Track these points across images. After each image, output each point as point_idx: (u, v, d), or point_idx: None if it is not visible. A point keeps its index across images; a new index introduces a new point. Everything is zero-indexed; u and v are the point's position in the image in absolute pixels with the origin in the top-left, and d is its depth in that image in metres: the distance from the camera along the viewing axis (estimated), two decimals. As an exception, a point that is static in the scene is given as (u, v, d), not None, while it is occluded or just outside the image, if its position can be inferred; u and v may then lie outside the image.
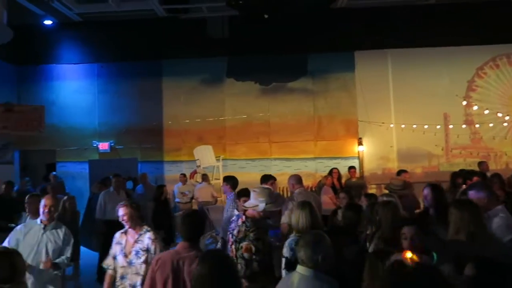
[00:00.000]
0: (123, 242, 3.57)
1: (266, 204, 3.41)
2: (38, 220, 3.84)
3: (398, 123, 11.12)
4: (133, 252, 3.48)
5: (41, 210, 3.80)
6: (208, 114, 11.61)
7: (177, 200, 9.58)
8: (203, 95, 11.67)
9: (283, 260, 2.90)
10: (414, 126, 10.86)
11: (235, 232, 3.44)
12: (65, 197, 6.14)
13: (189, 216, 3.01)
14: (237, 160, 11.63)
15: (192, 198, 9.42)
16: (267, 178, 5.53)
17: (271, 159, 11.56)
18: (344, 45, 11.26)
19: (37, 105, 9.64)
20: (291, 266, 2.58)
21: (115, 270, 3.56)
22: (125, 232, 3.61)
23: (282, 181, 7.70)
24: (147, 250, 3.46)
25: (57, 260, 3.76)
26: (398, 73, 11.36)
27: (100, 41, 11.82)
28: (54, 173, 9.99)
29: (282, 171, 11.00)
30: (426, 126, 10.85)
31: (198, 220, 3.01)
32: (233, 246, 3.41)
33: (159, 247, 3.50)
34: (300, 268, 2.31)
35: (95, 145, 11.65)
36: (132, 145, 11.69)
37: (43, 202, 3.81)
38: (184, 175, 9.94)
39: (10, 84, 11.27)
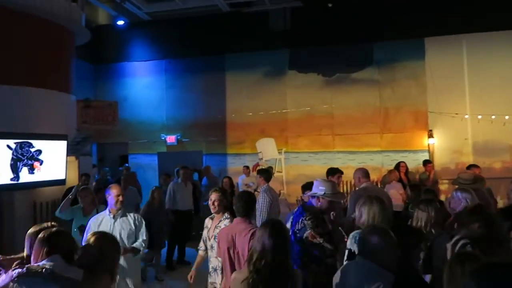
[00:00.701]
0: (209, 226, 3.80)
1: (325, 193, 3.49)
2: (107, 211, 4.01)
3: (474, 113, 10.28)
4: (213, 237, 3.66)
5: (111, 200, 3.97)
6: (270, 107, 11.63)
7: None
8: (265, 88, 11.70)
9: (346, 251, 2.84)
10: (493, 117, 9.97)
11: (297, 226, 3.50)
12: (153, 187, 6.45)
13: (242, 195, 3.49)
14: (299, 153, 11.55)
15: (256, 189, 9.53)
16: (333, 171, 5.43)
17: (334, 152, 11.32)
18: (413, 32, 10.62)
19: (111, 101, 10.30)
20: (353, 258, 2.56)
21: (207, 251, 3.81)
22: (212, 218, 3.84)
23: (346, 175, 7.49)
24: None
25: (134, 244, 3.94)
26: (474, 59, 10.47)
27: (167, 38, 12.35)
28: (127, 164, 10.66)
29: (346, 164, 10.72)
30: (506, 117, 9.91)
31: (249, 199, 3.41)
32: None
33: None
34: (357, 258, 2.35)
35: (163, 138, 12.23)
36: (197, 138, 12.09)
37: (112, 192, 3.98)
38: (247, 167, 10.09)
39: (88, 82, 12.18)
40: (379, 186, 8.34)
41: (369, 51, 11.15)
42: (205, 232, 3.84)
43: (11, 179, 6.11)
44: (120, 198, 3.95)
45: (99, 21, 12.89)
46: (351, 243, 2.84)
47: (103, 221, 3.97)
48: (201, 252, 3.87)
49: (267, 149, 10.81)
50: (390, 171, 7.98)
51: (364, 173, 4.83)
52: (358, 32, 10.83)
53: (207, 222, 3.87)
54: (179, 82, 12.36)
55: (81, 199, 4.87)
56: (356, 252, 2.47)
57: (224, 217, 3.73)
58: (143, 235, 4.01)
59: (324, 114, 11.36)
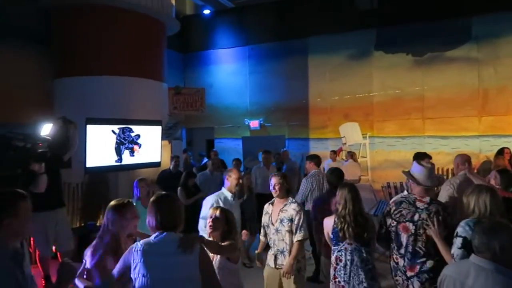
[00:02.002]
0: (270, 211, 3.85)
1: (430, 185, 3.17)
2: (226, 191, 4.24)
3: None
4: (279, 221, 3.71)
5: (232, 181, 4.24)
6: (355, 90, 11.26)
7: (328, 177, 9.69)
8: (350, 70, 11.34)
9: (459, 239, 2.58)
10: None
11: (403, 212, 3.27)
12: (242, 173, 6.62)
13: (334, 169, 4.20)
14: (385, 137, 11.07)
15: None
16: (421, 156, 5.13)
17: (425, 137, 10.65)
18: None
19: (199, 88, 10.80)
20: (469, 248, 2.23)
21: (266, 237, 3.89)
22: (272, 203, 3.88)
23: (438, 161, 7.03)
24: (291, 220, 3.67)
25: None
26: None
27: (250, 24, 12.54)
28: (215, 149, 11.13)
29: (438, 150, 10.05)
30: None
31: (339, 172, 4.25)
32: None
33: (302, 218, 3.71)
34: (475, 258, 2.01)
35: (246, 123, 12.54)
36: (280, 122, 12.20)
37: (232, 175, 4.27)
38: (334, 152, 9.95)
39: (177, 70, 12.90)
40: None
41: (467, 26, 10.18)
42: (266, 218, 3.88)
43: (116, 161, 6.76)
44: (240, 181, 4.30)
45: (186, 11, 13.50)
46: (464, 231, 2.59)
47: (225, 202, 4.12)
48: (262, 238, 3.96)
49: (351, 134, 10.54)
50: (496, 158, 7.20)
51: (463, 159, 4.48)
52: (454, 5, 9.94)
53: (267, 207, 3.91)
54: (261, 67, 12.51)
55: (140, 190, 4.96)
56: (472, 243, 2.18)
57: (290, 201, 3.76)
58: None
59: (414, 97, 10.71)
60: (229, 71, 12.96)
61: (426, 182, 3.12)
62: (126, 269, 2.22)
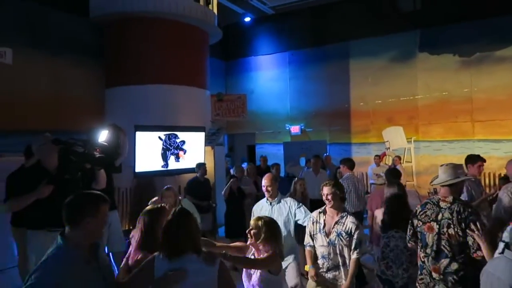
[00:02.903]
0: (322, 221, 3.55)
1: (446, 180, 3.04)
2: (265, 198, 4.15)
3: None
4: (335, 233, 3.44)
5: (263, 189, 4.13)
6: (398, 93, 11.02)
7: (371, 181, 9.51)
8: (393, 73, 11.12)
9: (501, 244, 2.53)
10: None
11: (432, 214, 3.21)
12: (295, 179, 6.33)
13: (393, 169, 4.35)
14: (431, 141, 10.73)
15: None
16: (474, 159, 4.88)
17: (474, 141, 10.21)
18: None
19: (240, 94, 11.01)
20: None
21: (314, 247, 3.60)
22: (323, 212, 3.58)
23: (489, 166, 6.72)
24: (350, 234, 3.42)
25: (300, 221, 4.04)
26: None
27: (290, 30, 12.61)
28: (263, 155, 11.10)
29: (489, 154, 9.57)
30: None
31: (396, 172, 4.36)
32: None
33: (362, 233, 3.46)
34: (508, 253, 2.15)
35: (287, 128, 12.58)
36: (321, 127, 12.13)
37: (262, 181, 4.16)
38: (378, 156, 9.78)
39: (219, 77, 13.19)
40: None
41: (519, 24, 9.70)
42: (315, 227, 3.58)
43: (162, 166, 7.03)
44: (270, 188, 4.07)
45: (227, 20, 13.78)
46: (507, 236, 2.52)
47: (263, 208, 4.10)
48: (309, 248, 3.62)
49: (395, 138, 10.30)
50: None
51: (513, 164, 4.28)
52: (503, 1, 9.50)
53: (317, 216, 3.60)
54: (302, 72, 12.53)
55: (165, 199, 4.80)
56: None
57: (346, 213, 3.50)
58: (300, 216, 4.02)
59: (461, 99, 10.31)
60: (269, 77, 13.08)
61: (443, 179, 3.10)
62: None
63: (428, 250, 3.08)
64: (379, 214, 4.13)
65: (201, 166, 6.77)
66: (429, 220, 3.10)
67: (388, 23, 10.90)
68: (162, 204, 2.83)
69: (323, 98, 12.07)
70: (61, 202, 3.57)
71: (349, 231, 3.43)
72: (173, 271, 2.13)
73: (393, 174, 4.88)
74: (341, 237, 3.43)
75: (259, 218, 2.91)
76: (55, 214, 3.50)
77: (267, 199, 4.11)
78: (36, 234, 3.57)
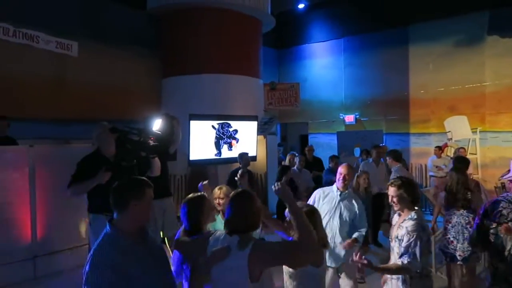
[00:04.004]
0: (394, 223, 3.18)
1: None
2: (335, 186, 3.88)
3: None
4: (396, 238, 3.02)
5: (337, 177, 3.88)
6: (463, 80, 10.28)
7: (431, 173, 9.03)
8: (456, 59, 10.38)
9: None
10: None
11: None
12: (358, 172, 6.08)
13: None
14: (499, 132, 9.92)
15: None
16: None
17: (549, 132, 9.32)
18: None
19: (293, 83, 10.87)
20: None
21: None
22: (399, 214, 3.14)
23: None
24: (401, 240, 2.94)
25: (355, 235, 3.75)
26: None
27: (345, 16, 12.19)
28: (310, 144, 11.05)
29: None
30: None
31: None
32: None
33: (414, 241, 2.83)
34: None
35: (341, 117, 12.26)
36: (376, 116, 11.68)
37: (339, 170, 3.89)
38: (439, 148, 9.27)
39: (272, 66, 13.11)
40: None
41: None
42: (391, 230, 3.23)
43: (215, 155, 7.15)
44: (347, 177, 3.84)
45: (280, 7, 13.61)
46: None
47: (329, 195, 3.89)
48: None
49: (458, 128, 9.69)
50: None
51: None
52: None
53: (395, 217, 3.23)
54: (357, 60, 12.10)
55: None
56: None
57: (410, 216, 2.94)
58: (362, 223, 3.80)
59: (536, 86, 9.42)
60: (323, 65, 12.79)
61: None
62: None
63: (506, 253, 2.81)
64: (443, 195, 4.49)
65: (243, 156, 6.54)
66: (506, 221, 2.82)
67: (452, 4, 10.15)
68: (203, 193, 2.84)
69: (379, 86, 11.58)
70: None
71: (402, 237, 2.92)
72: (217, 249, 2.15)
73: (460, 160, 4.96)
74: (399, 244, 2.95)
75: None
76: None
77: (338, 189, 3.84)
78: (97, 218, 3.77)
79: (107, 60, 7.64)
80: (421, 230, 2.86)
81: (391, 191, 3.03)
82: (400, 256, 2.84)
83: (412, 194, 3.00)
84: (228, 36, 7.98)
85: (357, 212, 3.80)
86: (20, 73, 6.40)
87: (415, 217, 2.92)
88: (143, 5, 8.18)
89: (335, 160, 7.54)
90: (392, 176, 6.20)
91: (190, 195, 2.69)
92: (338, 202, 3.80)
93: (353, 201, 3.84)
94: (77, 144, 5.79)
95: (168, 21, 8.22)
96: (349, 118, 12.07)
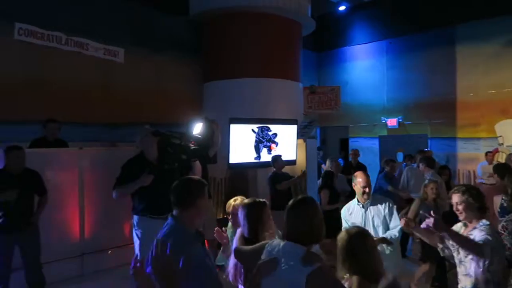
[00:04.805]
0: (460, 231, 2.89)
1: None
2: (356, 200, 3.75)
3: None
4: (457, 251, 2.83)
5: (356, 189, 3.71)
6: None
7: (480, 181, 8.57)
8: (509, 60, 9.82)
9: None
10: None
11: None
12: (426, 181, 5.43)
13: None
14: (557, 137, 9.30)
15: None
16: None
17: None
18: None
19: (334, 86, 10.71)
20: None
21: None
22: (465, 224, 2.88)
23: None
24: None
25: (385, 235, 3.58)
26: None
27: (388, 17, 11.88)
28: (354, 148, 10.69)
29: None
30: None
31: None
32: None
33: (490, 237, 2.61)
34: None
35: (383, 121, 11.94)
36: (421, 120, 11.28)
37: (356, 180, 3.72)
38: (490, 153, 8.82)
39: (312, 69, 13.01)
40: None
41: None
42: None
43: (255, 158, 7.16)
44: (367, 189, 3.64)
45: (320, 10, 13.50)
46: None
47: (354, 211, 3.75)
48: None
49: (510, 133, 9.16)
50: None
51: None
52: None
53: (460, 227, 2.90)
54: (400, 62, 11.76)
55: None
56: None
57: (480, 225, 2.71)
58: (395, 224, 3.56)
59: None
60: (365, 68, 12.53)
61: None
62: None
63: None
64: (497, 200, 4.38)
65: (277, 159, 6.44)
66: None
67: (503, 1, 9.63)
68: (264, 200, 2.74)
69: (424, 88, 11.18)
70: (161, 190, 3.86)
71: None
72: (266, 261, 2.04)
73: (502, 169, 4.77)
74: (467, 255, 2.72)
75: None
76: (155, 202, 3.82)
77: (358, 202, 3.68)
78: (141, 220, 3.89)
79: (151, 66, 7.90)
80: (493, 237, 2.64)
81: (455, 198, 2.81)
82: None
83: (478, 200, 2.75)
84: (269, 40, 8.00)
85: (387, 212, 3.64)
86: (70, 79, 6.75)
87: (487, 223, 2.69)
88: (185, 11, 8.39)
89: (391, 164, 7.19)
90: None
91: (250, 200, 2.66)
92: (365, 213, 3.67)
93: (378, 204, 3.69)
94: (122, 147, 6.01)
95: (209, 26, 8.37)
96: (392, 122, 11.73)
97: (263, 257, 2.09)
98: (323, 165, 9.47)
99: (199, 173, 4.38)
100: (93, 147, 5.92)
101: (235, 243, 2.62)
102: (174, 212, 2.23)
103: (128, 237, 5.52)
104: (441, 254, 3.04)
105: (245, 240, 2.55)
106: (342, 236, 2.12)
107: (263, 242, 2.24)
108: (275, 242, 2.13)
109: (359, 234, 2.10)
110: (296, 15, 8.26)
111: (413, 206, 4.76)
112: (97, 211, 5.48)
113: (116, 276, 4.93)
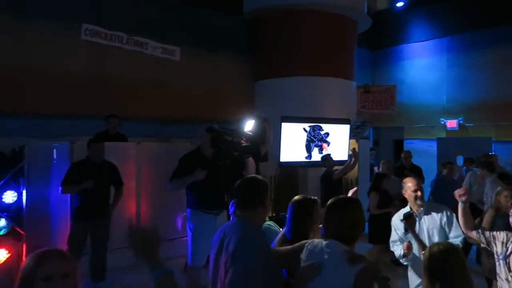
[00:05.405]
0: (510, 246, 2.72)
1: None
2: (408, 208, 3.42)
3: None
4: (501, 257, 2.66)
5: (409, 196, 3.39)
6: None
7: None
8: None
9: None
10: None
11: None
12: (498, 188, 4.86)
13: None
14: None
15: None
16: None
17: None
18: None
19: (389, 85, 10.37)
20: None
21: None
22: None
23: None
24: None
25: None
26: None
27: (450, 13, 11.27)
28: (406, 150, 10.30)
29: None
30: None
31: None
32: None
33: None
34: None
35: (442, 122, 11.35)
36: (484, 122, 10.58)
37: (406, 185, 3.42)
38: None
39: (366, 68, 12.64)
40: None
41: None
42: (500, 249, 2.78)
43: (306, 158, 7.11)
44: (419, 193, 3.33)
45: (377, 6, 13.10)
46: None
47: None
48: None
49: None
50: None
51: None
52: None
53: (504, 237, 2.74)
54: (462, 60, 11.10)
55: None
56: None
57: None
58: (454, 232, 3.24)
59: None
60: (423, 66, 11.98)
61: None
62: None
63: None
64: None
65: (327, 159, 6.31)
66: None
67: None
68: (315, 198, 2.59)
69: (488, 88, 10.47)
70: (213, 186, 3.92)
71: None
72: (309, 265, 1.98)
73: None
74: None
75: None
76: (208, 196, 3.90)
77: (411, 209, 3.36)
78: (194, 214, 3.99)
79: (205, 64, 8.08)
80: None
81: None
82: None
83: None
84: (323, 38, 7.89)
85: (445, 221, 3.29)
86: (130, 76, 7.08)
87: None
88: (238, 11, 8.49)
89: (449, 166, 6.57)
90: (487, 189, 5.52)
91: (300, 196, 2.51)
92: (418, 222, 3.30)
93: (434, 213, 3.33)
94: (177, 142, 6.20)
95: (262, 24, 8.41)
96: (451, 124, 11.12)
97: (303, 256, 2.04)
98: (375, 168, 9.17)
99: (253, 170, 4.41)
100: (150, 142, 6.17)
101: (274, 244, 2.54)
102: (239, 212, 2.17)
103: (181, 230, 5.70)
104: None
105: (287, 241, 2.41)
106: (426, 255, 1.94)
107: (302, 241, 2.17)
108: (316, 241, 2.08)
109: (447, 253, 1.89)
110: (352, 12, 8.09)
111: (487, 217, 4.30)
112: (153, 204, 5.70)
113: (169, 267, 5.09)
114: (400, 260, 3.27)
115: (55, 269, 1.42)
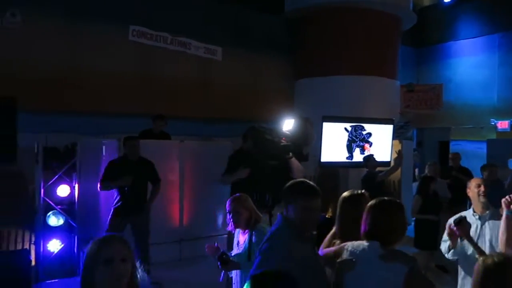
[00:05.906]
0: None
1: None
2: (471, 209, 3.21)
3: None
4: None
5: (472, 196, 3.21)
6: None
7: None
8: None
9: None
10: None
11: None
12: None
13: None
14: None
15: None
16: None
17: None
18: None
19: (435, 84, 9.98)
20: None
21: None
22: None
23: None
24: None
25: None
26: None
27: (501, 7, 10.70)
28: (453, 151, 9.78)
29: None
30: None
31: None
32: None
33: None
34: None
35: (493, 123, 10.80)
36: (539, 123, 9.98)
37: (469, 184, 3.24)
38: None
39: (410, 66, 12.24)
40: None
41: None
42: None
43: (347, 158, 6.99)
44: (482, 188, 3.10)
45: (423, 2, 12.66)
46: None
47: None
48: None
49: None
50: None
51: None
52: None
53: None
54: (515, 58, 10.52)
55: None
56: None
57: None
58: None
59: None
60: (472, 64, 11.45)
61: None
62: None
63: None
64: None
65: (369, 159, 6.19)
66: None
67: None
68: (363, 192, 2.59)
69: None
70: (253, 184, 3.97)
71: None
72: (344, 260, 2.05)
73: None
74: None
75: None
76: (249, 195, 3.95)
77: (474, 212, 3.14)
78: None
79: (246, 64, 8.15)
80: None
81: None
82: None
83: None
84: (365, 36, 7.74)
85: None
86: (174, 76, 7.27)
87: None
88: (281, 9, 8.48)
89: (489, 169, 6.17)
90: None
91: (349, 192, 2.55)
92: (481, 227, 3.08)
93: (499, 220, 2.99)
94: (219, 141, 6.31)
95: (303, 23, 8.36)
96: (503, 124, 10.56)
97: (344, 256, 2.08)
98: (416, 169, 8.88)
99: (298, 170, 4.39)
100: (192, 140, 6.30)
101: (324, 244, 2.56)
102: (284, 212, 2.19)
103: (221, 227, 5.79)
104: None
105: (337, 238, 2.47)
106: (479, 268, 1.77)
107: (341, 244, 2.22)
108: (356, 243, 2.12)
109: (504, 265, 1.70)
110: (396, 8, 7.89)
111: None
112: (195, 201, 5.82)
113: (210, 263, 5.17)
114: (446, 255, 3.13)
115: (115, 253, 1.48)
